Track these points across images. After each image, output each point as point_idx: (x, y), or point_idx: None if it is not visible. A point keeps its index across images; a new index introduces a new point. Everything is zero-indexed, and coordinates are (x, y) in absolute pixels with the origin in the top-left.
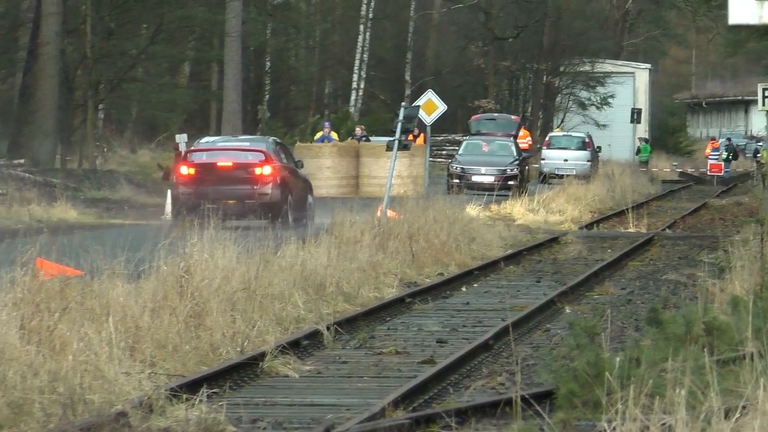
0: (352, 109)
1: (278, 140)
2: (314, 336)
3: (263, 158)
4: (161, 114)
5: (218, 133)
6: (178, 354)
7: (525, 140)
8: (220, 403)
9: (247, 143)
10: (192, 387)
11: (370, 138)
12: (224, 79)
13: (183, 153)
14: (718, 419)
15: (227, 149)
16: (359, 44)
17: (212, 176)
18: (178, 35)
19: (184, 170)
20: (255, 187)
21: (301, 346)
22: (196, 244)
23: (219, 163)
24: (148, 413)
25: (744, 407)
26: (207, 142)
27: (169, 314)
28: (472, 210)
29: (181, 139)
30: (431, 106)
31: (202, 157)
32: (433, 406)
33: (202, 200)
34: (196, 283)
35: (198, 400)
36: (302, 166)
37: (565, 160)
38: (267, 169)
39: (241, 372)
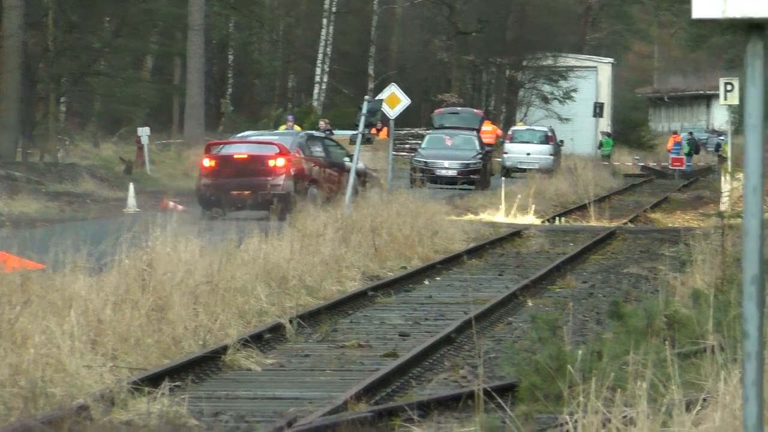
0: (315, 103)
1: (316, 134)
2: (277, 329)
3: (278, 150)
4: (124, 108)
5: (181, 127)
6: (140, 347)
7: (492, 134)
8: (182, 397)
9: (276, 137)
10: (154, 380)
11: (334, 132)
12: (187, 72)
13: (144, 146)
14: (680, 412)
15: (247, 142)
16: (323, 38)
17: (230, 168)
18: (141, 29)
19: (206, 162)
20: (268, 178)
21: (264, 339)
22: (159, 237)
23: (236, 156)
24: (110, 406)
25: (705, 400)
26: (241, 136)
27: (131, 308)
28: (441, 206)
29: (144, 132)
30: (394, 99)
31: (223, 150)
32: (396, 400)
33: (221, 191)
34: (158, 277)
35: (160, 393)
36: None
37: (528, 154)
38: (280, 161)
39: (204, 365)
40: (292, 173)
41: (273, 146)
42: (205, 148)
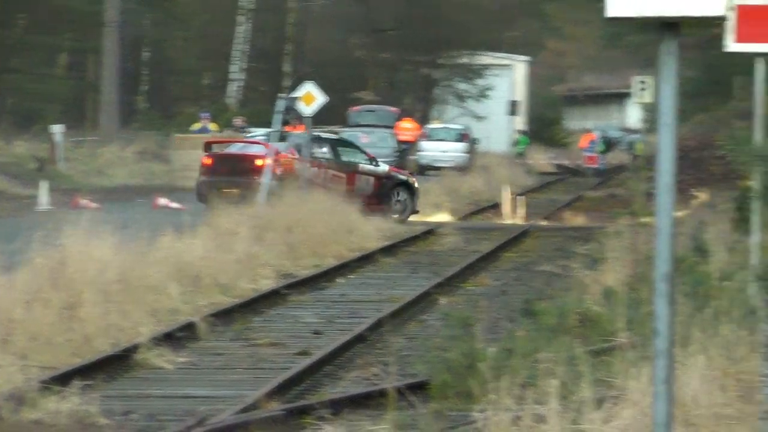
0: (231, 101)
1: (325, 136)
2: (189, 328)
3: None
4: (37, 104)
5: (96, 124)
6: (51, 346)
7: (411, 132)
8: (93, 395)
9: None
10: (64, 379)
11: (250, 129)
12: (102, 69)
13: (57, 143)
14: (590, 409)
15: (242, 141)
16: (239, 35)
17: (223, 166)
18: (55, 25)
19: (205, 160)
20: (255, 177)
21: (176, 337)
22: (71, 235)
23: (228, 155)
24: (20, 405)
25: (616, 397)
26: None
27: (43, 306)
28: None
29: (57, 129)
30: (310, 97)
31: (219, 149)
32: (308, 398)
33: (214, 188)
34: (69, 275)
35: (70, 392)
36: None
37: (443, 152)
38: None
39: (115, 364)
40: (279, 173)
41: (262, 146)
42: (204, 146)
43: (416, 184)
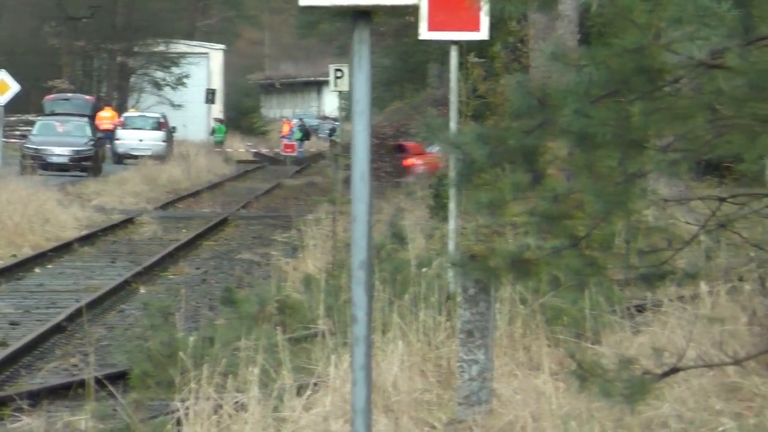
0: None
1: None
2: None
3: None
4: None
5: None
6: None
7: (111, 120)
8: None
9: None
10: None
11: None
12: None
13: None
14: (291, 396)
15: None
16: None
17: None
18: None
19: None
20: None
21: None
22: None
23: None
24: None
25: (316, 384)
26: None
27: None
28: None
29: None
30: (4, 86)
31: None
32: (5, 389)
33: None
34: None
35: None
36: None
37: (141, 141)
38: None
39: None
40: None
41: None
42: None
43: None
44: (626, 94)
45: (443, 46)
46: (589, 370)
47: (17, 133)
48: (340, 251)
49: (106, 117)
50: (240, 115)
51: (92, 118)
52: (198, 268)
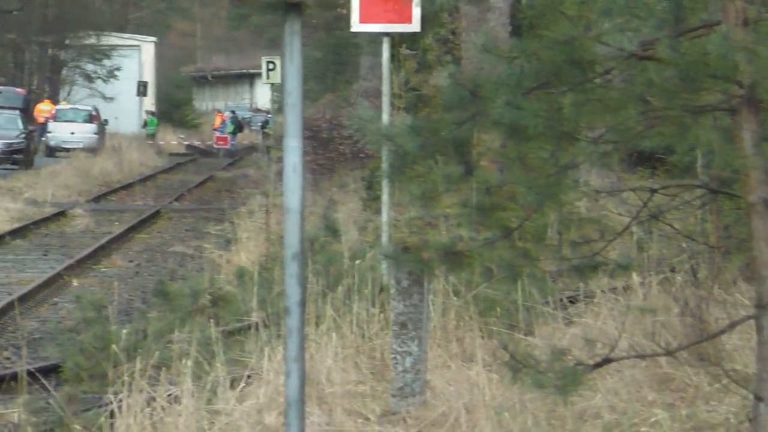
0: None
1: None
2: None
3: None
4: None
5: None
6: None
7: (49, 113)
8: None
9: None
10: None
11: None
12: None
13: None
14: (224, 388)
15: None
16: None
17: None
18: None
19: None
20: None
21: None
22: None
23: None
24: None
25: (249, 376)
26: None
27: None
28: None
29: None
30: None
31: None
32: None
33: None
34: None
35: None
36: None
37: (72, 134)
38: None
39: None
40: None
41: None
42: None
43: None
44: (557, 86)
45: (375, 39)
46: (522, 361)
47: None
48: (273, 244)
49: (45, 110)
50: (172, 107)
51: (24, 111)
52: (131, 261)
